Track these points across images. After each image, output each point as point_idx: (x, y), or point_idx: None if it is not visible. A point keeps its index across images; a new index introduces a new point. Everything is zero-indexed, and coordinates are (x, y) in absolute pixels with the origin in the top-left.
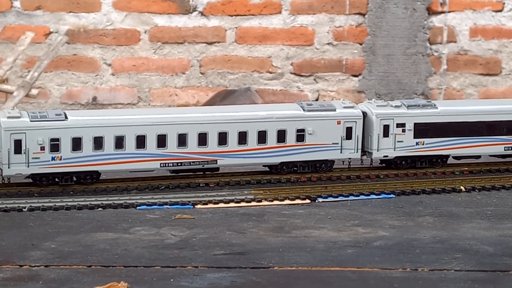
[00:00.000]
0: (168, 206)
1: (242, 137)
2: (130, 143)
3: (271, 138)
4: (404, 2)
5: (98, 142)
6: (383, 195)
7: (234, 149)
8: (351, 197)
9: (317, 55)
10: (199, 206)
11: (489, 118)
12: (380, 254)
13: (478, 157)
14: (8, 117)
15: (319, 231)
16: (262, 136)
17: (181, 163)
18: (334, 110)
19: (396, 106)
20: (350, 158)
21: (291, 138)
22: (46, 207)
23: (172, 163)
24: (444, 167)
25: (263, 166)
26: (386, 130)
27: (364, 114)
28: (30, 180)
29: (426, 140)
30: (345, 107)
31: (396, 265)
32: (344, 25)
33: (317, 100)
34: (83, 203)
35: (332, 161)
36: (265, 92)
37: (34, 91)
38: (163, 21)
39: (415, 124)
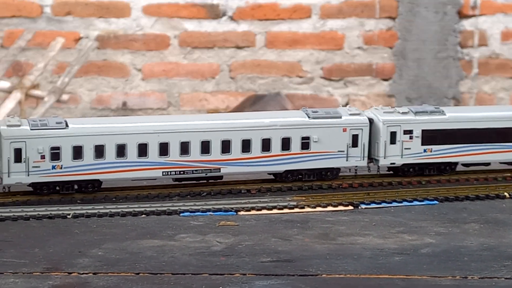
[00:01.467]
0: (211, 213)
1: (246, 145)
2: (131, 152)
3: (276, 146)
4: (435, 6)
5: (99, 151)
6: (426, 202)
7: (238, 157)
8: (394, 204)
9: (347, 59)
10: (242, 212)
11: (498, 125)
12: (428, 261)
13: (488, 164)
14: (8, 126)
15: (364, 238)
16: (266, 144)
17: (183, 171)
18: (340, 117)
19: (404, 113)
20: (356, 166)
21: (296, 146)
22: (90, 214)
23: (175, 171)
24: (486, 173)
25: (268, 174)
26: (393, 137)
27: (371, 121)
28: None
29: (434, 147)
30: (351, 114)
31: (445, 273)
32: (374, 29)
33: (347, 104)
34: (126, 209)
35: (338, 169)
36: (295, 96)
37: (64, 97)
38: (192, 26)
39: (422, 131)
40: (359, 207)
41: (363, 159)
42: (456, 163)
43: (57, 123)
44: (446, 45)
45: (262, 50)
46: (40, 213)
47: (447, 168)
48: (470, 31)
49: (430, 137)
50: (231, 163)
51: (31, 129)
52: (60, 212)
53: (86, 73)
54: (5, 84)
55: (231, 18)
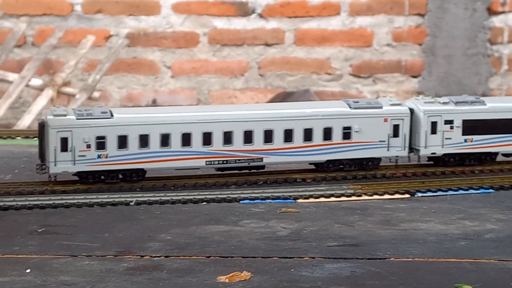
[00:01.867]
0: (270, 201)
1: (288, 135)
2: (175, 141)
3: (317, 136)
4: (464, 2)
5: (144, 140)
6: (481, 190)
7: (280, 147)
8: (450, 192)
9: (376, 56)
10: (300, 200)
11: None
12: (493, 246)
13: None
14: (55, 115)
15: (426, 224)
16: (308, 134)
17: (226, 161)
18: (381, 107)
19: (444, 103)
20: (397, 156)
21: (337, 135)
22: (152, 201)
23: (218, 161)
24: None
25: (309, 164)
26: (434, 127)
27: (412, 111)
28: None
29: (475, 137)
30: (392, 105)
31: None
32: (403, 26)
33: None
34: (187, 197)
35: (379, 159)
36: (323, 93)
37: (96, 94)
38: (222, 24)
39: (463, 120)
40: (415, 195)
41: (404, 149)
42: (496, 153)
43: (102, 112)
44: (476, 41)
45: (291, 47)
46: (103, 200)
47: (488, 158)
48: (499, 28)
49: (471, 127)
50: (273, 153)
51: (77, 119)
52: (123, 199)
53: (116, 70)
54: (37, 81)
55: (260, 16)
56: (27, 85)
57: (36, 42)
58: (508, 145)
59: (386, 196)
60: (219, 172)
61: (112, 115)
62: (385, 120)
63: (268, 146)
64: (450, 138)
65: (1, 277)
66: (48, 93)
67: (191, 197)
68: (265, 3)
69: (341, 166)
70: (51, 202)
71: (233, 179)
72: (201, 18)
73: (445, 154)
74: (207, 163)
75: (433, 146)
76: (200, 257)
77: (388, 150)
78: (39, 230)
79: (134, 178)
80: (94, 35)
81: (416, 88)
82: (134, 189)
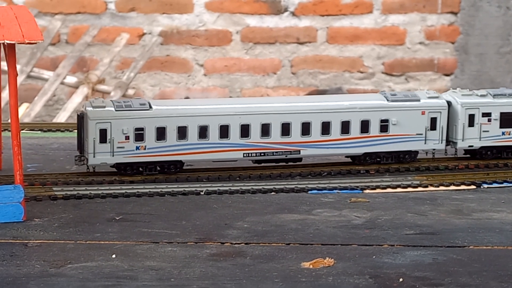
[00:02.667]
0: (338, 191)
1: (326, 128)
2: (213, 133)
3: (355, 129)
4: (497, 1)
5: (182, 132)
6: None
7: (317, 139)
8: None
9: (409, 54)
10: (367, 191)
11: None
12: None
13: None
14: (94, 107)
15: (499, 214)
16: (345, 127)
17: (264, 153)
18: (419, 100)
19: (482, 95)
20: (434, 149)
21: (374, 128)
22: (221, 190)
23: (255, 153)
24: None
25: (346, 157)
26: (471, 120)
27: (449, 104)
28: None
29: None
30: (429, 97)
31: None
32: (436, 24)
33: None
34: (255, 187)
35: (416, 152)
36: (356, 92)
37: (130, 91)
38: (254, 22)
39: (501, 113)
40: (482, 187)
41: (441, 142)
42: None
43: (140, 104)
44: (509, 40)
45: (323, 46)
46: (174, 189)
47: None
48: None
49: (509, 120)
50: (311, 145)
51: (116, 110)
52: (193, 189)
53: (149, 68)
54: (71, 79)
55: (293, 14)
56: (62, 83)
57: (70, 40)
58: None
59: (453, 187)
60: (284, 164)
61: (150, 107)
62: (423, 113)
63: (305, 139)
64: (487, 131)
65: (89, 262)
66: (83, 90)
67: (260, 187)
68: (298, 1)
69: (378, 159)
70: (123, 191)
71: (297, 170)
72: (233, 16)
73: (482, 147)
74: (245, 155)
75: (470, 139)
76: (280, 244)
77: (425, 143)
78: (117, 218)
79: (172, 170)
80: (127, 33)
81: (449, 86)
82: (201, 179)
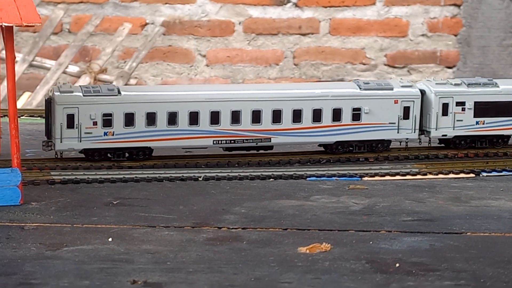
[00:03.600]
0: (336, 178)
1: (297, 116)
2: (183, 120)
3: (327, 117)
4: None
5: (151, 118)
6: None
7: (289, 127)
8: None
9: (411, 46)
10: (366, 178)
11: None
12: None
13: None
14: (61, 92)
15: (497, 201)
16: (317, 115)
17: (234, 140)
18: (392, 89)
19: (456, 84)
20: (407, 138)
21: (346, 117)
22: (219, 176)
23: (225, 140)
24: None
25: (318, 145)
26: (445, 109)
27: (423, 93)
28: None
29: (487, 120)
30: (402, 86)
31: None
32: (438, 16)
33: None
34: (254, 173)
35: (389, 141)
36: None
37: (132, 81)
38: (257, 13)
39: (475, 102)
40: (481, 175)
41: (414, 132)
42: (509, 136)
43: (109, 89)
44: None
45: (326, 37)
46: (172, 175)
47: (499, 141)
48: None
49: (483, 109)
50: (282, 133)
51: (84, 95)
52: (191, 175)
53: (151, 58)
54: (74, 68)
55: (296, 5)
56: (64, 72)
57: (73, 30)
58: None
59: (451, 175)
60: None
61: (119, 93)
62: (396, 102)
63: (276, 126)
64: (461, 120)
65: (85, 245)
66: (85, 80)
67: (258, 173)
68: None
69: (350, 148)
70: (121, 176)
71: (296, 157)
72: (236, 7)
73: (456, 136)
74: (215, 142)
75: (444, 128)
76: (277, 229)
77: (398, 132)
78: (114, 202)
79: (140, 156)
80: (130, 23)
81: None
82: (200, 165)
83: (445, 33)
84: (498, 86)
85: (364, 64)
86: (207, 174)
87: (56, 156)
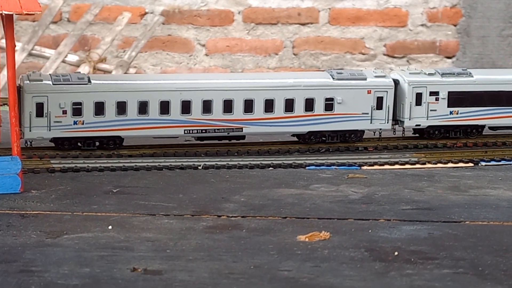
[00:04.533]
0: (336, 167)
1: (269, 105)
2: (153, 109)
3: (299, 107)
4: None
5: (121, 107)
6: None
7: (261, 117)
8: None
9: (411, 36)
10: (365, 167)
11: None
12: None
13: None
14: (31, 80)
15: (495, 190)
16: (289, 105)
17: (205, 130)
18: (365, 79)
19: (430, 74)
20: (380, 129)
21: (319, 107)
22: (219, 165)
23: (197, 129)
24: None
25: (291, 135)
26: (418, 98)
27: (396, 82)
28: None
29: (461, 109)
30: (376, 76)
31: None
32: (438, 6)
33: None
34: (253, 162)
35: (362, 131)
36: None
37: (131, 71)
38: (256, 2)
39: (449, 92)
40: (479, 164)
41: (388, 122)
42: (483, 126)
43: (79, 78)
44: (511, 22)
45: (325, 27)
46: (172, 163)
47: (474, 131)
48: None
49: (457, 99)
50: (254, 123)
51: (54, 84)
52: (191, 163)
53: (150, 48)
54: (73, 58)
55: None
56: (63, 61)
57: (72, 19)
58: (494, 117)
59: (450, 165)
60: (281, 140)
61: (89, 81)
62: (369, 92)
63: (248, 116)
64: (435, 110)
65: (85, 233)
66: (85, 69)
67: (258, 162)
68: None
69: (323, 138)
70: (120, 165)
71: (295, 146)
72: None
73: (430, 126)
74: (186, 131)
75: (417, 118)
76: (276, 218)
77: (371, 123)
78: (114, 190)
79: (111, 146)
80: (129, 12)
81: None
82: (199, 154)
83: (445, 23)
84: (472, 76)
85: (363, 54)
86: (207, 163)
87: (26, 145)
